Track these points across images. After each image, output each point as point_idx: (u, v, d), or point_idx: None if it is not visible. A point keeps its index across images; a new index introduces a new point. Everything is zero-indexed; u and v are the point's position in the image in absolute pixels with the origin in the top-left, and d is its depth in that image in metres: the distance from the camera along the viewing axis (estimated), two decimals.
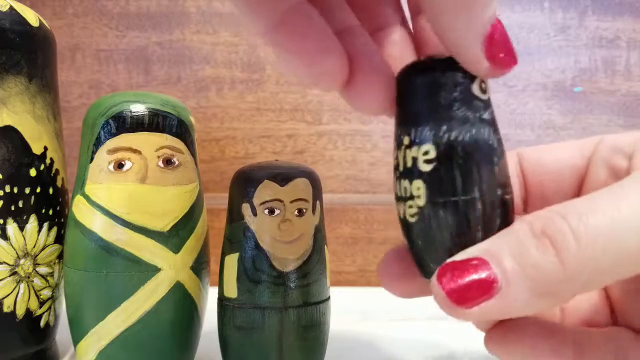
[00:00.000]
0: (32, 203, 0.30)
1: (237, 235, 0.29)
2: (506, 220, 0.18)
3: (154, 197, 0.28)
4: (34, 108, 0.30)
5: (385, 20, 0.21)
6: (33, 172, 0.30)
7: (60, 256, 0.31)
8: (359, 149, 0.55)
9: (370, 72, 0.19)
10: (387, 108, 0.20)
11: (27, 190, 0.29)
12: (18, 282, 0.29)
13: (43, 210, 0.30)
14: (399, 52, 0.21)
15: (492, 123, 0.19)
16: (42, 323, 0.31)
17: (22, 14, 0.29)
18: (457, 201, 0.18)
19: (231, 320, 0.29)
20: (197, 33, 0.55)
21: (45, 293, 0.31)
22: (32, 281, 0.30)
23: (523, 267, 0.16)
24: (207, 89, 0.55)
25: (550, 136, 0.56)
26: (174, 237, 0.28)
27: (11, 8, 0.29)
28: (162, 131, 0.28)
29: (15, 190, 0.29)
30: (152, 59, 0.55)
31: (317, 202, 0.30)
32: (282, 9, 0.17)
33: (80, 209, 0.28)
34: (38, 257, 0.30)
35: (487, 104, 0.19)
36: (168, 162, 0.29)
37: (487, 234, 0.18)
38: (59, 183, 0.32)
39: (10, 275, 0.29)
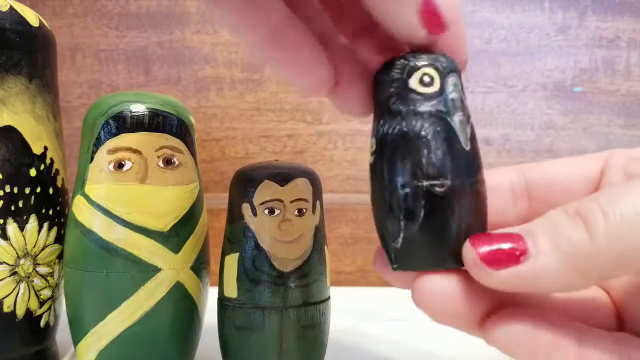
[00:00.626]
0: (32, 203, 0.30)
1: (237, 235, 0.29)
2: (435, 212, 0.19)
3: (154, 197, 0.28)
4: (34, 108, 0.30)
5: (362, 21, 0.22)
6: (33, 172, 0.30)
7: (60, 256, 0.31)
8: (359, 149, 0.55)
9: (352, 77, 0.20)
10: (368, 111, 0.21)
11: (27, 190, 0.29)
12: (18, 282, 0.29)
13: (43, 210, 0.30)
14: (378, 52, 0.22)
15: (434, 114, 0.19)
16: (42, 323, 0.31)
17: (22, 14, 0.29)
18: (384, 193, 0.20)
19: (231, 320, 0.29)
20: (197, 33, 0.55)
21: (45, 293, 0.31)
22: (32, 281, 0.30)
23: (554, 240, 0.17)
24: (207, 89, 0.55)
25: (550, 136, 0.56)
26: (174, 237, 0.28)
27: (11, 8, 0.29)
28: (162, 131, 0.28)
29: (15, 190, 0.29)
30: (152, 59, 0.55)
31: (317, 202, 0.30)
32: (272, 22, 0.18)
33: (80, 209, 0.28)
34: (38, 257, 0.30)
35: (429, 97, 0.19)
36: (168, 162, 0.29)
37: (408, 222, 0.19)
38: (59, 183, 0.32)
39: (10, 275, 0.29)
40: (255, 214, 0.28)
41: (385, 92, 0.20)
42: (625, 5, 0.55)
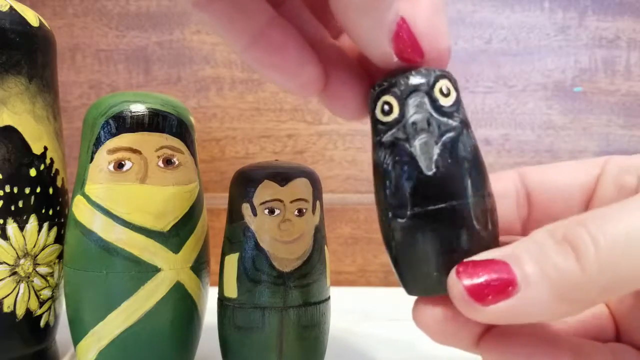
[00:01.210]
0: (32, 203, 0.30)
1: (237, 235, 0.29)
2: (405, 241, 0.19)
3: (154, 197, 0.28)
4: (34, 108, 0.30)
5: None
6: (33, 172, 0.30)
7: (60, 256, 0.31)
8: (359, 149, 0.55)
9: (345, 79, 0.20)
10: (361, 113, 0.21)
11: (27, 190, 0.29)
12: (18, 282, 0.29)
13: (43, 210, 0.30)
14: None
15: (393, 143, 0.19)
16: (42, 323, 0.31)
17: (22, 14, 0.29)
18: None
19: (231, 320, 0.29)
20: (197, 33, 0.55)
21: (45, 293, 0.31)
22: (32, 281, 0.30)
23: (544, 270, 0.16)
24: (207, 89, 0.55)
25: (550, 136, 0.56)
26: (174, 237, 0.28)
27: (11, 8, 0.29)
28: (162, 131, 0.28)
29: (15, 190, 0.29)
30: (152, 59, 0.55)
31: (317, 202, 0.30)
32: (257, 26, 0.18)
33: (80, 209, 0.28)
34: (38, 257, 0.30)
35: (390, 125, 0.19)
36: (168, 162, 0.29)
37: (390, 252, 0.19)
38: (59, 183, 0.32)
39: (10, 275, 0.29)
40: (255, 214, 0.28)
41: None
42: (625, 5, 0.55)
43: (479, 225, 0.18)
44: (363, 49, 0.19)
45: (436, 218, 0.18)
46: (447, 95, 0.19)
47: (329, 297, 0.30)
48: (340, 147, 0.56)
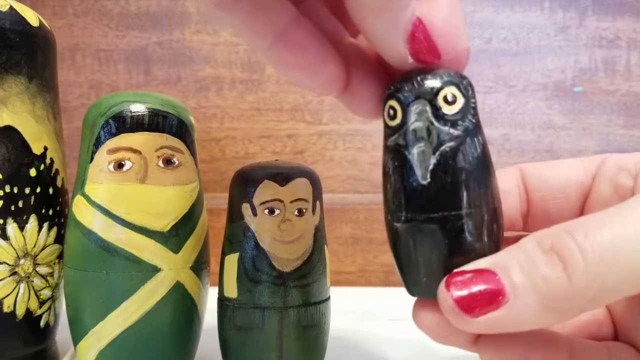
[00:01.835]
0: (32, 203, 0.30)
1: (237, 235, 0.29)
2: (400, 245, 0.19)
3: (154, 197, 0.28)
4: (34, 108, 0.30)
5: None
6: (33, 172, 0.30)
7: (60, 256, 0.31)
8: (359, 149, 0.55)
9: (364, 78, 0.20)
10: (379, 112, 0.20)
11: (27, 190, 0.29)
12: (18, 282, 0.29)
13: (43, 210, 0.30)
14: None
15: (394, 148, 0.19)
16: (42, 323, 0.31)
17: (22, 14, 0.29)
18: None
19: (231, 320, 0.29)
20: (197, 33, 0.55)
21: (45, 293, 0.31)
22: (32, 281, 0.30)
23: (532, 280, 0.16)
24: (207, 89, 0.55)
25: (550, 136, 0.56)
26: (174, 237, 0.28)
27: (11, 8, 0.29)
28: (162, 131, 0.28)
29: (15, 190, 0.29)
30: (152, 59, 0.55)
31: (317, 202, 0.30)
32: (280, 25, 0.18)
33: (80, 209, 0.28)
34: (38, 257, 0.30)
35: (394, 130, 0.19)
36: (168, 162, 0.29)
37: (392, 254, 0.20)
38: (59, 183, 0.32)
39: (10, 275, 0.29)
40: (255, 214, 0.28)
41: None
42: (625, 5, 0.55)
43: (472, 238, 0.18)
44: (378, 49, 0.18)
45: (428, 227, 0.18)
46: (451, 103, 0.18)
47: (329, 297, 0.30)
48: (340, 147, 0.56)
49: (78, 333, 0.29)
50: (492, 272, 0.17)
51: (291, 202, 0.28)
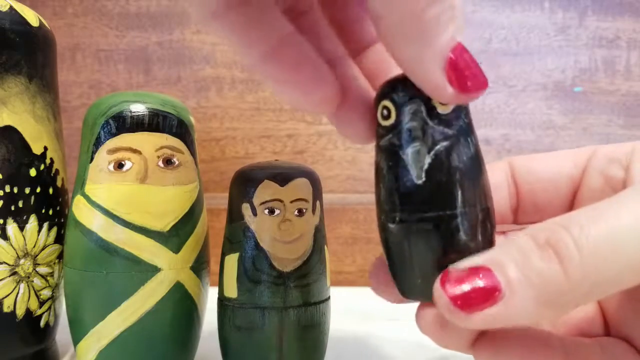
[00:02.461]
0: (32, 203, 0.30)
1: (237, 235, 0.29)
2: (392, 246, 0.19)
3: (154, 197, 0.28)
4: (34, 108, 0.30)
5: (369, 39, 0.21)
6: (33, 172, 0.30)
7: (60, 256, 0.31)
8: (359, 149, 0.55)
9: (359, 102, 0.19)
10: (369, 138, 0.20)
11: (27, 190, 0.29)
12: (18, 282, 0.29)
13: (43, 210, 0.30)
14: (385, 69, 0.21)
15: (388, 148, 0.19)
16: (42, 323, 0.31)
17: (22, 14, 0.29)
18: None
19: (231, 320, 0.29)
20: (197, 33, 0.55)
21: (45, 293, 0.31)
22: (32, 281, 0.30)
23: (527, 276, 0.16)
24: (207, 89, 0.55)
25: (550, 136, 0.56)
26: (174, 237, 0.28)
27: (11, 8, 0.29)
28: (162, 131, 0.28)
29: (15, 190, 0.29)
30: (152, 59, 0.55)
31: (317, 202, 0.30)
32: (273, 40, 0.17)
33: (80, 209, 0.28)
34: (38, 257, 0.30)
35: (388, 130, 0.19)
36: (168, 162, 0.29)
37: (385, 254, 0.19)
38: (59, 183, 0.32)
39: (10, 275, 0.29)
40: (255, 214, 0.28)
41: None
42: (625, 5, 0.55)
43: (466, 237, 0.18)
44: (412, 78, 0.17)
45: (423, 227, 0.18)
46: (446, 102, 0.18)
47: (329, 297, 0.30)
48: (340, 147, 0.56)
49: (78, 333, 0.29)
50: (487, 268, 0.16)
51: (291, 202, 0.28)
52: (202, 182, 0.31)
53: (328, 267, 0.30)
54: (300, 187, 0.29)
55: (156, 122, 0.28)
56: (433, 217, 0.18)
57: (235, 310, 0.29)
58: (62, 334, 0.32)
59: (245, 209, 0.29)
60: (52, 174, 0.31)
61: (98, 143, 0.28)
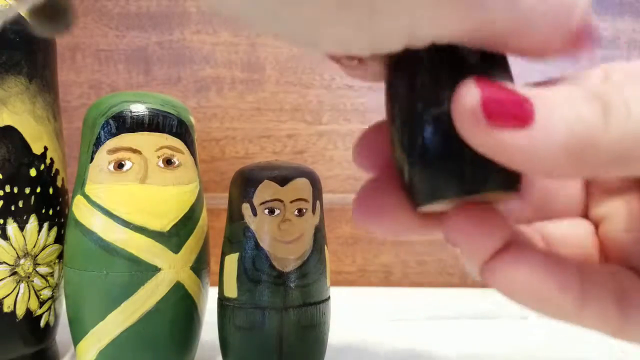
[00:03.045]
0: (32, 203, 0.30)
1: (237, 235, 0.29)
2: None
3: (154, 197, 0.28)
4: (34, 108, 0.30)
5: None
6: (33, 172, 0.30)
7: (60, 256, 0.31)
8: None
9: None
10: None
11: (27, 190, 0.29)
12: (18, 282, 0.29)
13: (43, 210, 0.30)
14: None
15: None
16: (42, 323, 0.31)
17: (22, 13, 0.29)
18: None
19: (231, 320, 0.29)
20: (197, 33, 0.55)
21: (45, 293, 0.31)
22: (32, 281, 0.30)
23: (566, 113, 0.15)
24: (207, 89, 0.55)
25: None
26: (174, 237, 0.28)
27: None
28: (162, 131, 0.28)
29: (15, 190, 0.29)
30: (152, 59, 0.55)
31: (317, 202, 0.30)
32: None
33: (80, 209, 0.28)
34: (38, 257, 0.30)
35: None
36: (168, 162, 0.29)
37: None
38: (59, 183, 0.32)
39: (10, 275, 0.29)
40: (255, 214, 0.28)
41: None
42: (625, 5, 0.55)
43: None
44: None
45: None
46: None
47: (329, 297, 0.30)
48: (340, 147, 0.56)
49: (78, 333, 0.29)
50: (526, 97, 0.15)
51: (291, 202, 0.28)
52: (202, 182, 0.31)
53: (328, 267, 0.30)
54: (300, 187, 0.29)
55: (156, 122, 0.28)
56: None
57: (235, 310, 0.29)
58: (62, 334, 0.32)
59: (245, 209, 0.29)
60: (52, 174, 0.31)
61: (98, 143, 0.28)
